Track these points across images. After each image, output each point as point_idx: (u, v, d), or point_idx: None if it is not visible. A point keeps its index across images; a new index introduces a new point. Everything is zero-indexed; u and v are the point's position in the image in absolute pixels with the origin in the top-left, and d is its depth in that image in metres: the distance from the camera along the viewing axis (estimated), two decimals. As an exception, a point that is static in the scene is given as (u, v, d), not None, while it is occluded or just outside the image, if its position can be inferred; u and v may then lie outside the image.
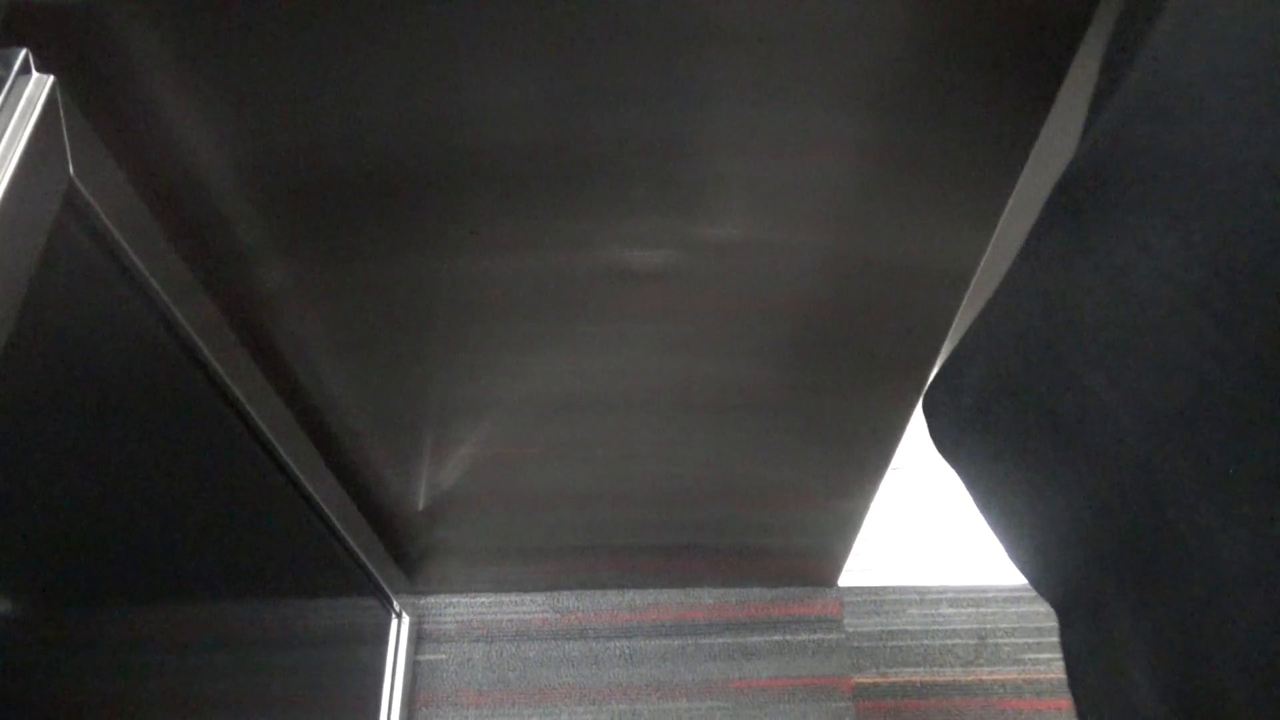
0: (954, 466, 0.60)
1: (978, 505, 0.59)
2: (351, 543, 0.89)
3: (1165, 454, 0.41)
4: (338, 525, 0.85)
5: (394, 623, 1.06)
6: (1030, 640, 1.13)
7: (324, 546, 0.85)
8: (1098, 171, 0.42)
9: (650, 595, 1.20)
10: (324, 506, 0.83)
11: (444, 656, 1.15)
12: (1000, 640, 1.13)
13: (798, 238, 0.64)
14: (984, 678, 1.11)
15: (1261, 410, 0.35)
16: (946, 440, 0.60)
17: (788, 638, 1.15)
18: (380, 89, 0.51)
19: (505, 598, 1.20)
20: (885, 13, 0.47)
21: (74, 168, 0.47)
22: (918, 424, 1.27)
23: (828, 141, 0.55)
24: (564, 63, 0.51)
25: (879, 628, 1.15)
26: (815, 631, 1.16)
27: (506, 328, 0.74)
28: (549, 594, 1.20)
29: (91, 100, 0.50)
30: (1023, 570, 0.57)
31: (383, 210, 0.61)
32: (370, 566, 0.94)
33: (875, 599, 1.17)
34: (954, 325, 0.73)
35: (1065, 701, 1.09)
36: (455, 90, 0.52)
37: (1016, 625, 1.14)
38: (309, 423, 0.82)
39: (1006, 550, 0.58)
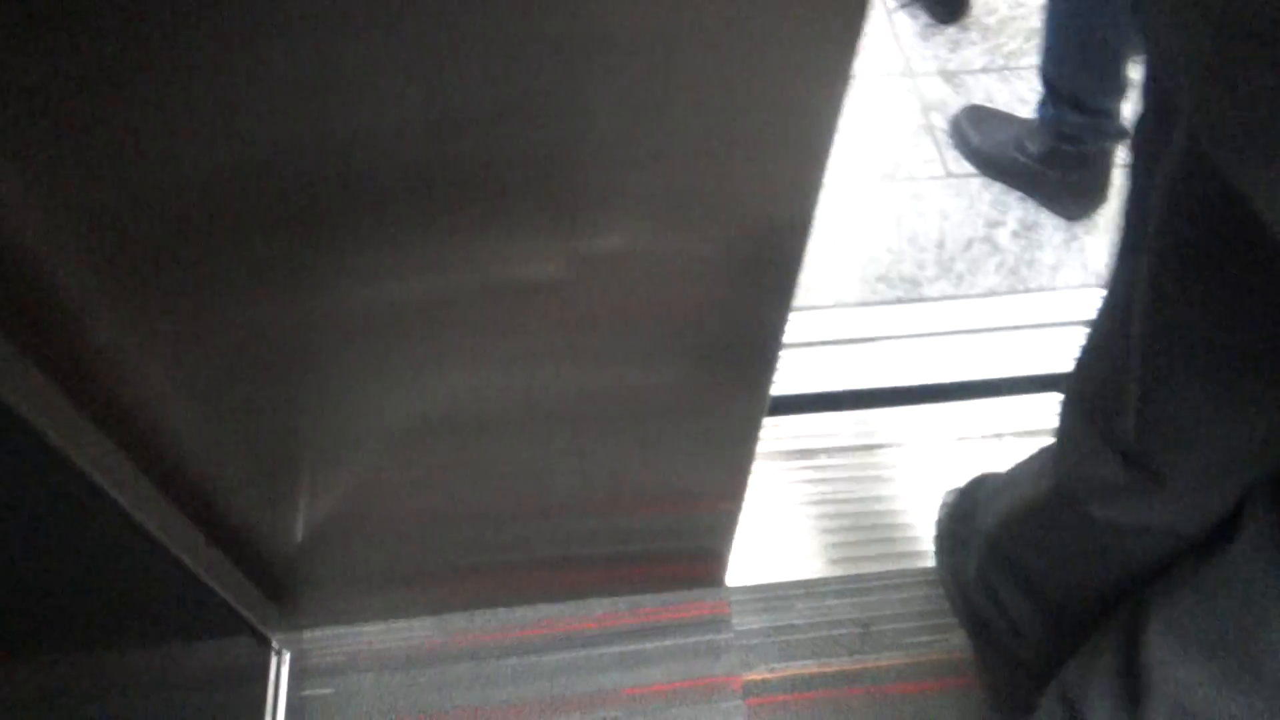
0: None
1: None
2: (214, 585, 0.87)
3: None
4: (195, 569, 0.83)
5: (272, 660, 1.04)
6: (912, 624, 1.15)
7: (182, 592, 0.83)
8: None
9: (540, 610, 1.19)
10: (178, 553, 0.80)
11: (331, 690, 1.13)
12: (884, 627, 1.15)
13: (670, 244, 0.65)
14: (870, 665, 1.13)
15: None
16: None
17: (678, 641, 1.16)
18: (236, 119, 0.50)
19: (393, 625, 1.18)
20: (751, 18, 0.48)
21: None
22: (775, 422, 1.29)
23: (699, 149, 0.56)
24: (436, 82, 0.50)
25: (767, 624, 1.16)
26: (705, 632, 1.16)
27: (381, 353, 0.73)
28: (437, 617, 1.19)
29: None
30: None
31: (240, 248, 0.59)
32: (238, 606, 0.92)
33: (763, 596, 1.18)
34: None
35: (949, 682, 1.11)
36: (317, 117, 0.51)
37: (899, 611, 1.16)
38: (156, 470, 0.80)
39: None
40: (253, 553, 0.97)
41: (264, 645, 1.02)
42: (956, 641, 1.14)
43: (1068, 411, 0.81)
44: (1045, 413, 1.31)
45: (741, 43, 0.50)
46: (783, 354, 1.36)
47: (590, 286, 0.69)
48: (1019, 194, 1.54)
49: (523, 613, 1.19)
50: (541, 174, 0.58)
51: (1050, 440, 0.88)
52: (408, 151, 0.54)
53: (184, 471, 0.81)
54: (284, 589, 1.08)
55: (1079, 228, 1.51)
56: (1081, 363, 0.77)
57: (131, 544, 0.75)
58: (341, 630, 1.17)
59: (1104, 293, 0.70)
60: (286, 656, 1.06)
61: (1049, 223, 1.51)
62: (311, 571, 1.07)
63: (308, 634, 1.16)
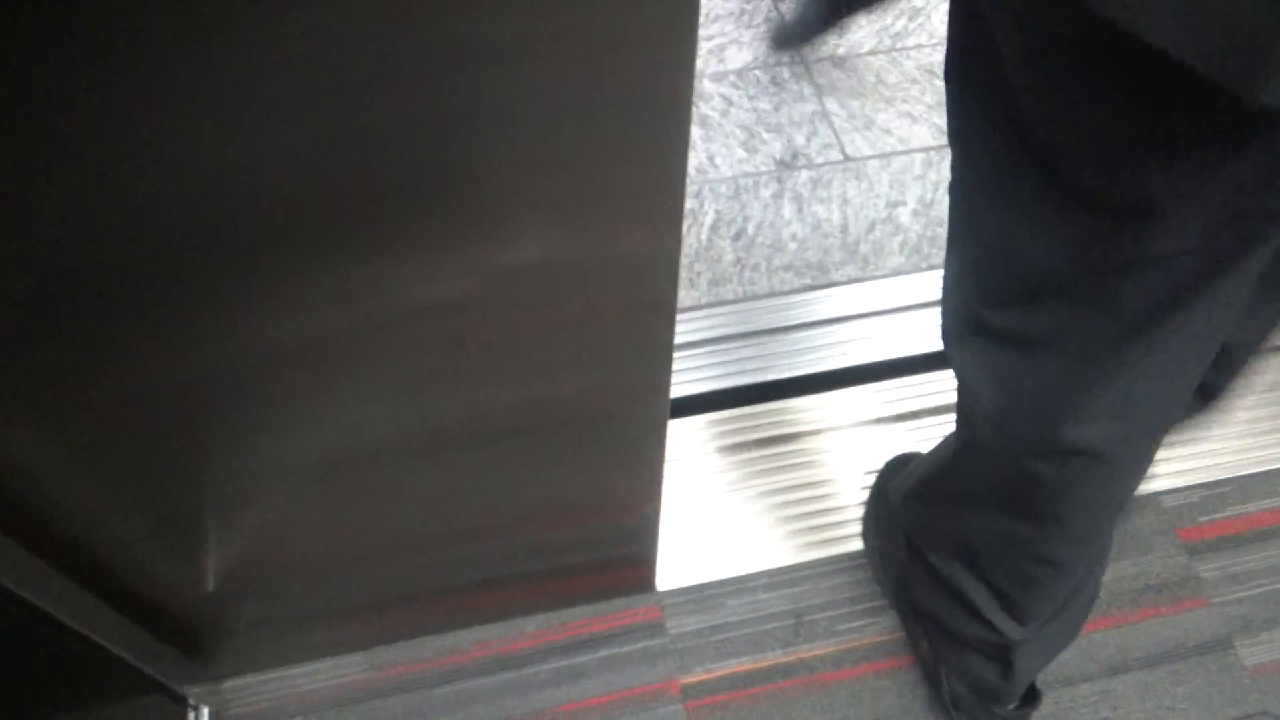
0: None
1: None
2: (114, 649, 0.83)
3: None
4: (91, 635, 0.79)
5: (189, 716, 1.00)
6: (844, 611, 1.15)
7: (80, 662, 0.79)
8: None
9: (472, 634, 1.17)
10: (69, 621, 0.77)
11: (258, 739, 1.09)
12: (816, 616, 1.15)
13: (553, 254, 0.64)
14: (805, 655, 1.13)
15: None
16: None
17: (613, 651, 1.14)
18: (103, 160, 0.48)
19: (320, 664, 1.15)
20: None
21: None
22: (692, 419, 1.29)
23: (567, 156, 0.56)
24: (318, 105, 0.49)
25: (701, 624, 1.16)
26: (640, 639, 1.15)
27: (276, 391, 0.71)
28: (366, 652, 1.16)
29: None
30: None
31: (115, 300, 0.57)
32: (144, 666, 0.88)
33: (695, 596, 1.18)
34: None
35: (882, 664, 1.12)
36: (182, 150, 0.49)
37: (830, 599, 1.16)
38: (38, 540, 0.76)
39: None
40: (158, 608, 0.94)
41: (178, 703, 0.98)
42: (887, 623, 1.14)
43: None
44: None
45: (588, 48, 0.50)
46: (695, 351, 1.37)
47: (482, 302, 0.68)
48: (916, 173, 1.56)
49: (453, 638, 1.16)
50: (423, 193, 0.57)
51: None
52: (286, 179, 0.53)
53: (70, 537, 0.77)
54: (198, 641, 1.04)
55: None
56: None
57: (17, 619, 0.72)
58: (265, 676, 1.13)
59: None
60: (205, 711, 1.03)
61: (945, 199, 1.53)
62: (227, 620, 1.04)
63: (229, 684, 1.12)
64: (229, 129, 0.49)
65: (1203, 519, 1.21)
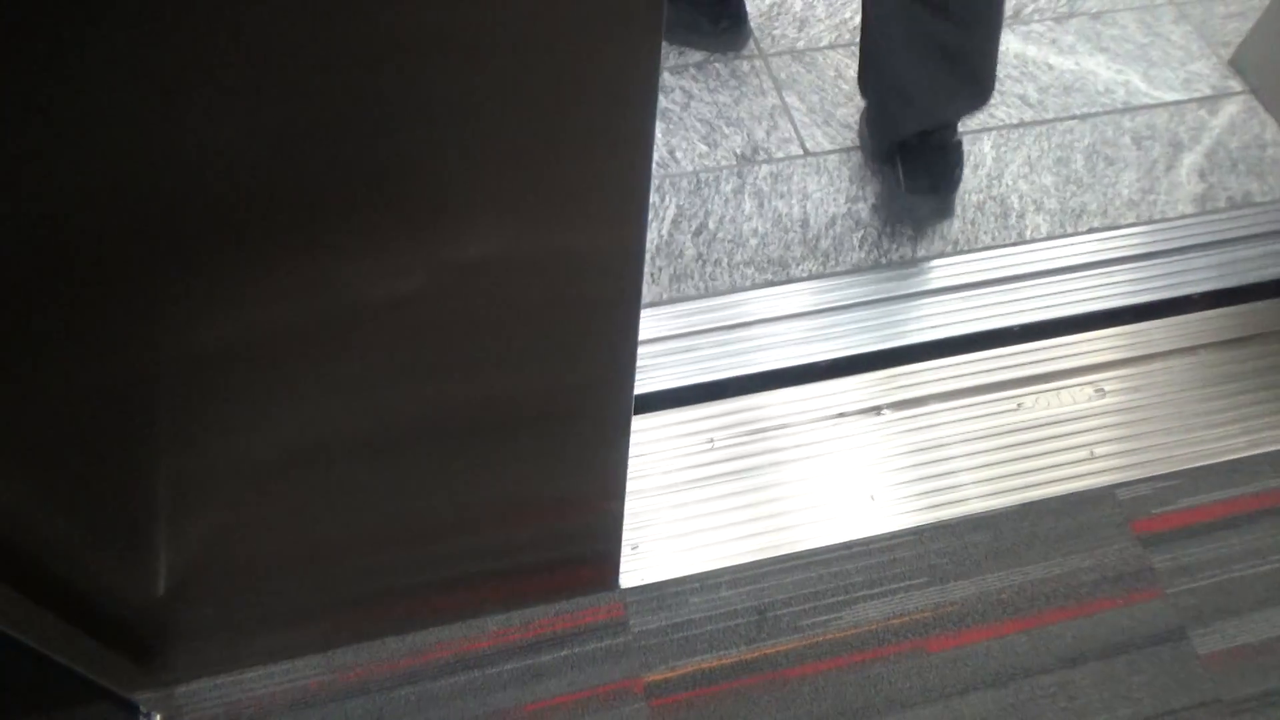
0: None
1: None
2: (58, 657, 0.80)
3: None
4: (32, 643, 0.76)
5: (140, 724, 0.97)
6: (806, 606, 1.15)
7: (21, 671, 0.76)
8: None
9: (432, 634, 1.15)
10: (8, 629, 0.74)
11: (212, 746, 1.06)
12: (779, 612, 1.15)
13: (516, 248, 0.63)
14: (768, 652, 1.13)
15: None
16: None
17: (576, 650, 1.13)
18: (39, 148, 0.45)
19: (276, 668, 1.12)
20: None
21: None
22: (656, 416, 1.28)
23: (530, 149, 0.55)
24: (268, 96, 0.47)
25: (664, 622, 1.15)
26: (602, 638, 1.14)
27: (227, 389, 0.69)
28: (324, 654, 1.14)
29: None
30: None
31: (52, 297, 0.54)
32: (90, 674, 0.85)
33: (658, 594, 1.17)
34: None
35: (845, 659, 1.12)
36: (129, 139, 0.47)
37: (793, 594, 1.16)
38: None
39: None
40: (104, 614, 0.91)
41: (128, 710, 0.95)
42: (850, 619, 1.14)
43: None
44: (919, 381, 1.34)
45: (553, 39, 0.49)
46: (657, 347, 1.36)
47: (441, 298, 0.67)
48: (875, 166, 1.56)
49: (413, 639, 1.15)
50: (380, 186, 0.56)
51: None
52: (237, 170, 0.51)
53: (7, 541, 0.74)
54: (147, 646, 1.01)
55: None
56: None
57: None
58: (219, 680, 1.10)
59: None
60: (156, 718, 1.00)
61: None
62: (178, 624, 1.01)
63: (181, 689, 1.09)
64: (176, 118, 0.47)
65: (1156, 511, 1.23)
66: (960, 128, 1.49)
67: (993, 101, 1.64)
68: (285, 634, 1.10)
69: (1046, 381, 1.35)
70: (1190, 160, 1.60)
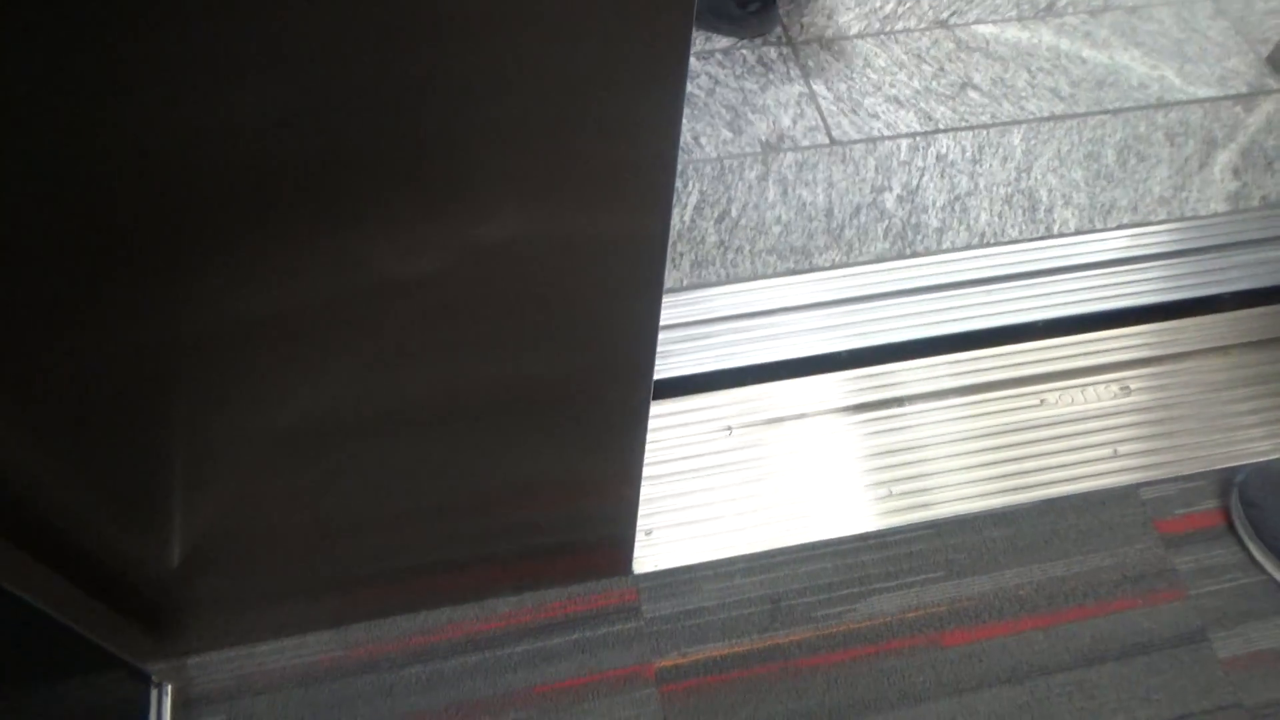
0: None
1: None
2: (71, 623, 0.81)
3: None
4: (46, 609, 0.77)
5: (152, 693, 0.97)
6: (820, 597, 1.14)
7: (34, 636, 0.76)
8: None
9: (444, 614, 1.15)
10: (22, 594, 0.74)
11: (222, 717, 1.06)
12: (793, 602, 1.14)
13: (539, 229, 0.63)
14: (780, 641, 1.12)
15: None
16: None
17: (587, 634, 1.13)
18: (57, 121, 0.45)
19: (287, 642, 1.12)
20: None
21: None
22: (673, 402, 1.27)
23: (557, 129, 0.54)
24: (290, 69, 0.46)
25: (677, 609, 1.14)
26: (614, 623, 1.14)
27: (250, 363, 0.69)
28: (335, 630, 1.14)
29: None
30: None
31: (77, 266, 0.54)
32: (103, 642, 0.86)
33: (671, 580, 1.16)
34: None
35: (858, 651, 1.11)
36: (152, 116, 0.46)
37: (807, 584, 1.15)
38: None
39: None
40: (120, 583, 0.91)
41: (141, 679, 0.96)
42: (865, 610, 1.13)
43: None
44: (940, 374, 1.32)
45: (584, 21, 0.48)
46: (677, 333, 1.35)
47: (464, 278, 0.66)
48: (902, 159, 1.54)
49: (424, 618, 1.14)
50: (403, 165, 0.55)
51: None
52: (256, 148, 0.51)
53: (27, 509, 0.74)
54: (161, 616, 1.01)
55: (959, 190, 1.52)
56: None
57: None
58: (231, 653, 1.11)
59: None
60: (168, 688, 1.00)
61: (930, 185, 1.52)
62: (192, 595, 1.01)
63: (193, 660, 1.09)
64: (196, 96, 0.47)
65: (1179, 512, 1.22)
66: (989, 119, 1.47)
67: (1023, 94, 1.62)
68: (297, 609, 1.10)
69: (1071, 378, 1.33)
70: (1224, 158, 1.57)
